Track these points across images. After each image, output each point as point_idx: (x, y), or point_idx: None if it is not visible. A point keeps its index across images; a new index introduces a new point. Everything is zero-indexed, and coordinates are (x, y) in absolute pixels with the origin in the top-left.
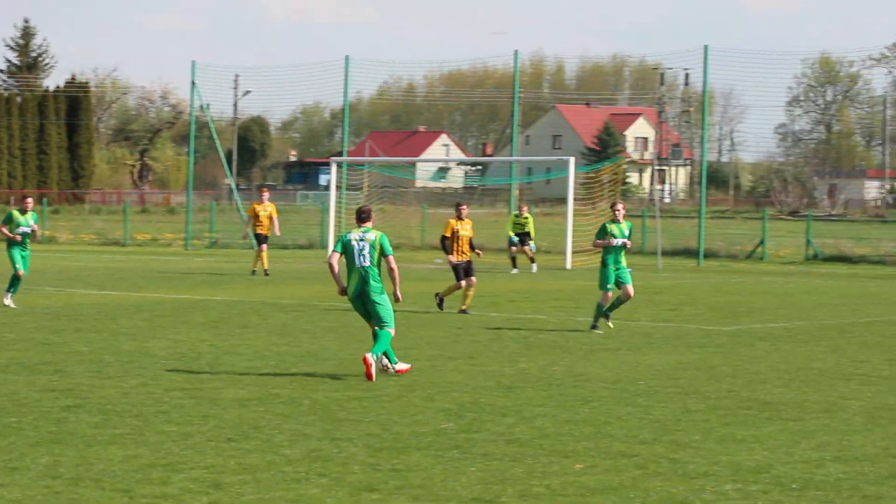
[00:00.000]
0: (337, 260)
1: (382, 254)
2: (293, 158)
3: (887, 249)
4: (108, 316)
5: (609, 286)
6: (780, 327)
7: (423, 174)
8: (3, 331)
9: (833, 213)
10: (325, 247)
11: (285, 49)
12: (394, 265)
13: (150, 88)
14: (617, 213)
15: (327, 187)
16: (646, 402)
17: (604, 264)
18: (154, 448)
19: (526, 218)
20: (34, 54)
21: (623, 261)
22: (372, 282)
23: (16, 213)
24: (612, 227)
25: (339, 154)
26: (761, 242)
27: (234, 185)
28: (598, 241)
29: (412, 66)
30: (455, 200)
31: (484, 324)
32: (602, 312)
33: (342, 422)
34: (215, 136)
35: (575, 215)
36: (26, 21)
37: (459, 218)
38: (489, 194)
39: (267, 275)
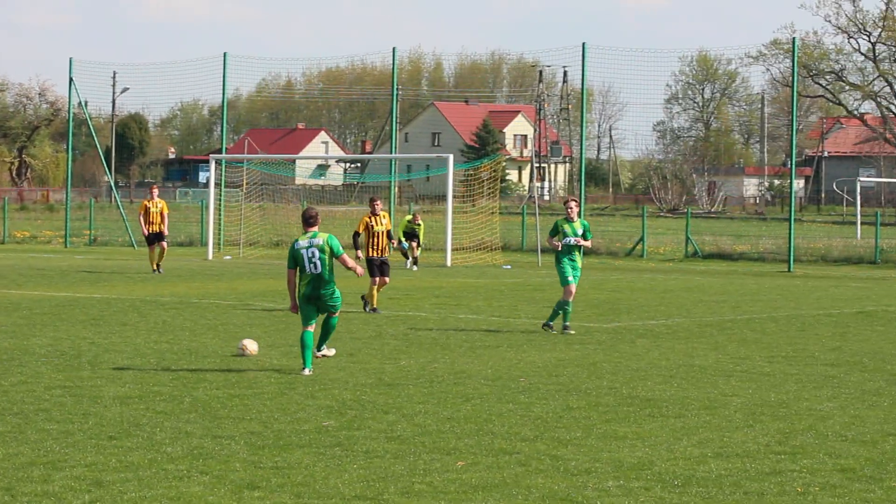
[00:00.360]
0: (294, 276)
1: (333, 255)
2: (172, 156)
3: (766, 246)
4: None
5: (570, 279)
6: (661, 324)
7: (303, 171)
8: None
9: (712, 210)
10: (204, 244)
11: (163, 46)
12: (350, 264)
13: (28, 85)
14: (570, 210)
15: (207, 184)
16: (527, 400)
17: (558, 261)
18: (35, 446)
19: (419, 225)
20: None
21: (578, 258)
22: (325, 284)
23: None
24: (565, 226)
25: (219, 151)
26: (641, 240)
27: (112, 183)
28: (551, 239)
29: (291, 63)
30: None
31: (364, 321)
32: (559, 311)
33: (223, 419)
34: (94, 133)
35: (454, 213)
36: None
37: (373, 213)
38: (368, 191)
39: (156, 272)
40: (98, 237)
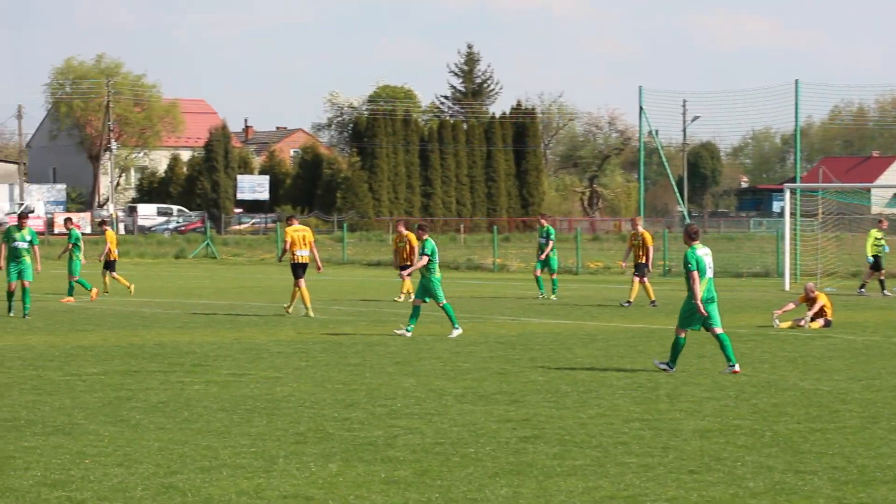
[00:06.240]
0: None
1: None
2: (745, 185)
3: None
4: (564, 345)
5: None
6: None
7: (878, 200)
8: (458, 360)
9: None
10: (780, 275)
11: (733, 73)
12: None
13: (597, 114)
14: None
15: (781, 214)
16: None
17: None
18: (614, 480)
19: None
20: (479, 80)
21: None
22: None
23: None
24: None
25: (792, 180)
26: None
27: (685, 213)
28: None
29: (862, 90)
30: None
31: None
32: None
33: (805, 454)
34: (665, 162)
35: None
36: (470, 47)
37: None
38: None
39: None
40: (672, 267)
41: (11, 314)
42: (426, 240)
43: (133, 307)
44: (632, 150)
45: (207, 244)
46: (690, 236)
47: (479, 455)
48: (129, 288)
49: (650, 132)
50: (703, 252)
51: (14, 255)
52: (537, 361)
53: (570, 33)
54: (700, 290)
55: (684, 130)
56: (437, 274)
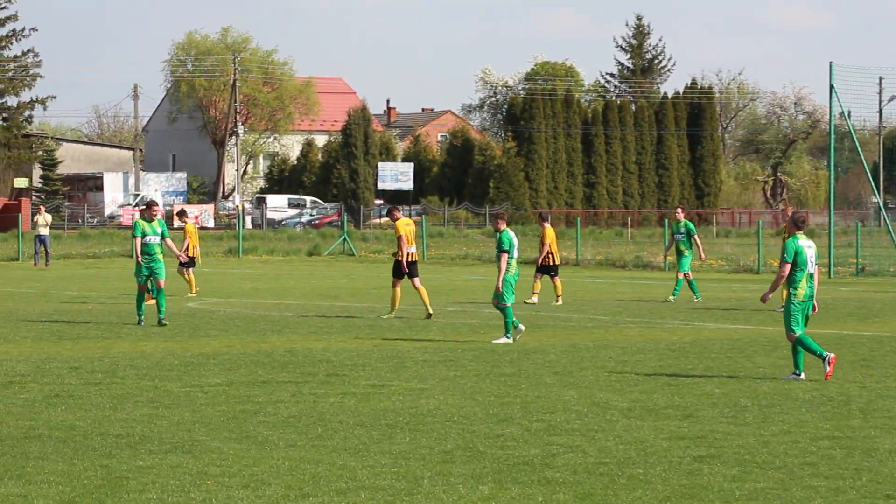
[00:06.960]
0: None
1: None
2: None
3: None
4: (743, 353)
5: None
6: None
7: None
8: (624, 370)
9: None
10: None
11: None
12: None
13: (782, 94)
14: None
15: None
16: None
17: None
18: None
19: None
20: (649, 56)
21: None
22: None
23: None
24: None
25: None
26: None
27: (881, 204)
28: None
29: None
30: None
31: None
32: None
33: None
34: (858, 147)
35: None
36: (639, 19)
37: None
38: None
39: None
40: (866, 266)
41: (142, 322)
42: (503, 232)
43: (262, 310)
44: (821, 133)
45: (344, 239)
46: (797, 225)
47: (649, 477)
48: (192, 291)
49: (842, 113)
50: (806, 244)
51: (146, 251)
52: (713, 371)
53: (752, 2)
54: (802, 287)
55: (880, 111)
56: (513, 271)
